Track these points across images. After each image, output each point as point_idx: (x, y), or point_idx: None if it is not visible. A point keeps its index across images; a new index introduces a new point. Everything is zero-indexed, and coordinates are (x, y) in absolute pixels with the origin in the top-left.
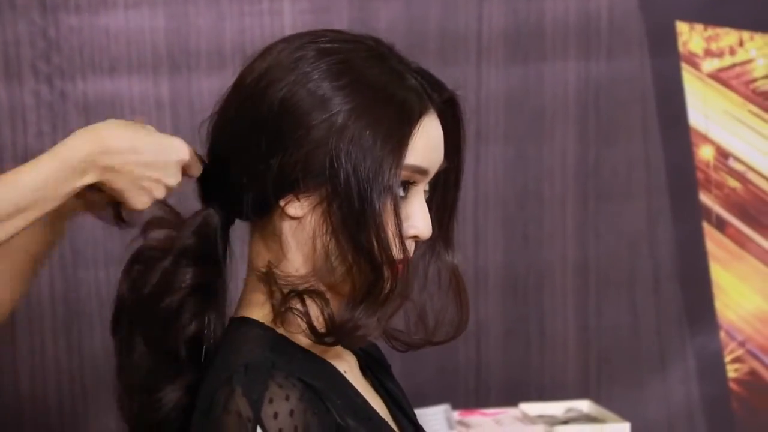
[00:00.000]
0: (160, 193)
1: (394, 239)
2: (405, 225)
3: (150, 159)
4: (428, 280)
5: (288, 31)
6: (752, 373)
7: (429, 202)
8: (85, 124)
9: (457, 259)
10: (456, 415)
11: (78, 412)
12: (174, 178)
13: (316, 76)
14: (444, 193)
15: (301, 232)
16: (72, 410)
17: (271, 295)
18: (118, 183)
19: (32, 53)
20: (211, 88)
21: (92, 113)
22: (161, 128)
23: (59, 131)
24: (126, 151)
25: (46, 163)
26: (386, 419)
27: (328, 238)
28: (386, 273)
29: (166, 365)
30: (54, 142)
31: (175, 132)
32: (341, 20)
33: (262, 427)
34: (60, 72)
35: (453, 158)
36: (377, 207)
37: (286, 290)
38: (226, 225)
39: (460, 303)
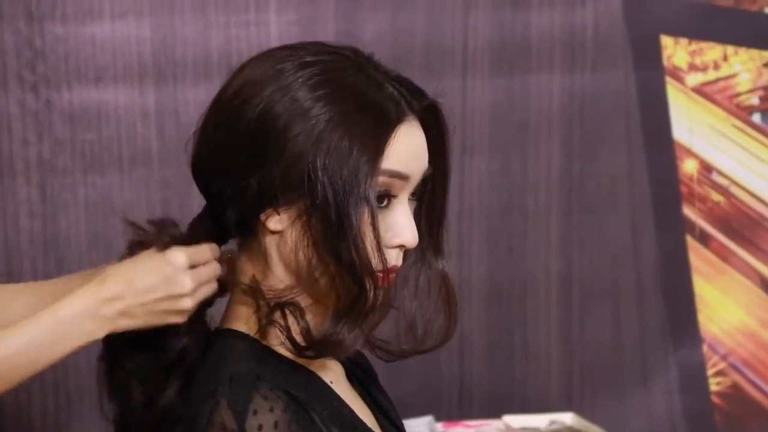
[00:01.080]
0: (187, 303)
1: (373, 250)
2: (389, 234)
3: (150, 283)
4: (419, 288)
5: (274, 43)
6: (734, 386)
7: (418, 210)
8: (71, 134)
9: (448, 267)
10: (439, 427)
11: (61, 421)
12: (185, 285)
13: (294, 89)
14: (432, 201)
15: (283, 246)
16: (55, 418)
17: (257, 308)
18: (138, 322)
19: (18, 62)
20: (197, 98)
21: (78, 122)
22: (146, 139)
23: (45, 140)
24: (124, 293)
25: (39, 323)
26: (373, 429)
27: (310, 251)
28: (368, 284)
29: (154, 372)
30: (39, 152)
31: (161, 142)
32: (327, 32)
33: None
34: (46, 81)
35: (439, 165)
36: (354, 218)
37: (271, 303)
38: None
39: (449, 311)
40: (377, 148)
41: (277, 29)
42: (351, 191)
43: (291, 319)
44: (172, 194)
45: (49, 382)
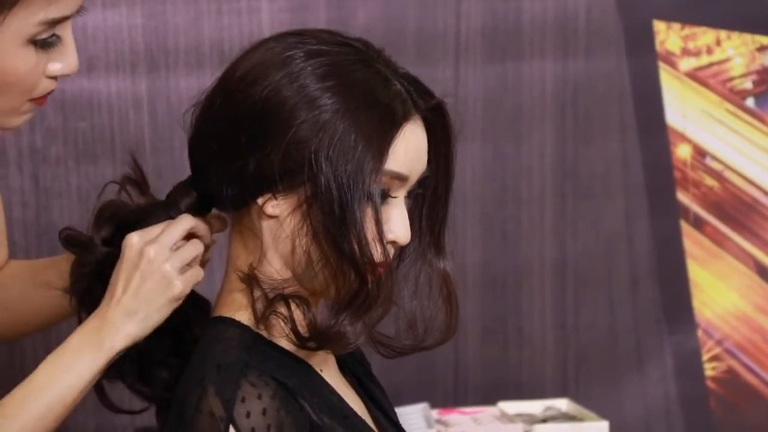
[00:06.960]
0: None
1: (374, 243)
2: (383, 229)
3: (148, 287)
4: (419, 286)
5: (266, 30)
6: (730, 371)
7: (419, 209)
8: (63, 123)
9: (449, 266)
10: (434, 413)
11: None
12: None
13: (303, 77)
14: (434, 200)
15: (280, 233)
16: None
17: (253, 296)
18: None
19: None
20: (189, 86)
21: (70, 112)
22: (139, 127)
23: (37, 130)
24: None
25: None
26: (364, 418)
27: (308, 241)
28: (370, 277)
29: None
30: (31, 141)
31: (153, 130)
32: (319, 19)
33: (235, 427)
34: None
35: (442, 166)
36: (357, 213)
37: (270, 294)
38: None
39: (450, 310)
40: (382, 146)
41: (268, 16)
42: (355, 186)
43: (295, 310)
44: (165, 183)
45: None
